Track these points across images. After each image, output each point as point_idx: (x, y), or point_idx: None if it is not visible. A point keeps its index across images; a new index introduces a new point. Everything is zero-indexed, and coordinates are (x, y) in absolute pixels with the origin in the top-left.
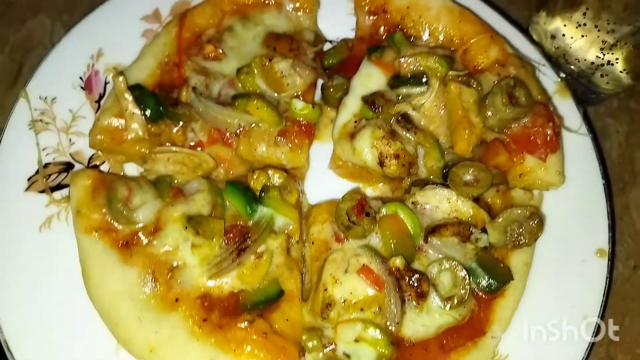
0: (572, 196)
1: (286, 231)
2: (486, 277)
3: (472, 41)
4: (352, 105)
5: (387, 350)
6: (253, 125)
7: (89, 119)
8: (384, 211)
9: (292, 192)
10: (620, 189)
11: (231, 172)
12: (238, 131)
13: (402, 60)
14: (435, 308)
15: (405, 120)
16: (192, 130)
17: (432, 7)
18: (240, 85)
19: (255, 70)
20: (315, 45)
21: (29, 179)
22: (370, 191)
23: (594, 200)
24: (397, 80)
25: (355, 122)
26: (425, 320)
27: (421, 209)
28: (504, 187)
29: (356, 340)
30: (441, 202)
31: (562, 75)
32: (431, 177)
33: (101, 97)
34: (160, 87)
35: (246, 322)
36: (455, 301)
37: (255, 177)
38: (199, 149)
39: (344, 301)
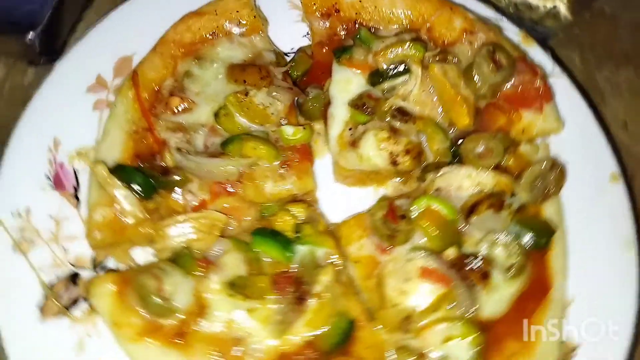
0: (570, 134)
1: (330, 261)
2: (533, 236)
3: (433, 18)
4: (340, 114)
5: (477, 337)
6: (252, 167)
7: (73, 219)
8: (416, 208)
9: (319, 220)
10: None
11: (243, 219)
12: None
13: (376, 55)
14: (500, 283)
15: (401, 113)
16: (190, 192)
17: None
18: (223, 129)
19: (233, 110)
20: (279, 65)
21: (39, 308)
22: (383, 191)
23: (591, 131)
24: (376, 76)
25: (350, 129)
26: (495, 298)
27: (447, 194)
28: (513, 148)
29: (445, 341)
30: (463, 181)
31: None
32: (438, 158)
33: (76, 189)
34: (139, 158)
35: None
36: (515, 269)
37: (279, 220)
38: (203, 210)
39: (418, 309)
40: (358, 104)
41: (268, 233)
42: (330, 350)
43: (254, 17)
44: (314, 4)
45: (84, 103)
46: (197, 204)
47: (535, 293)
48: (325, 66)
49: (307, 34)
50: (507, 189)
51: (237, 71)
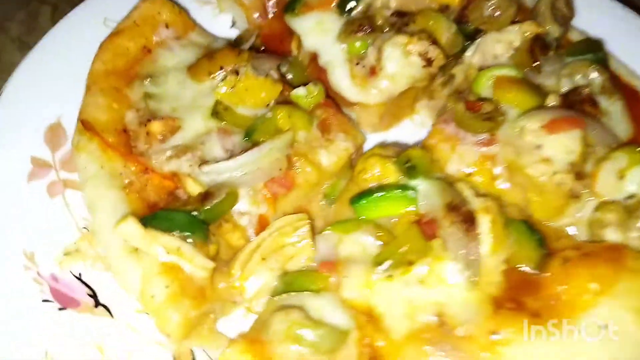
0: None
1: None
2: (590, 55)
3: None
4: (335, 57)
5: None
6: (295, 144)
7: (115, 328)
8: (489, 85)
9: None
10: None
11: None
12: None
13: None
14: (607, 104)
15: (399, 15)
16: (242, 213)
17: None
18: (230, 124)
19: (229, 102)
20: (246, 40)
21: None
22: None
23: None
24: (344, 2)
25: (357, 63)
26: (615, 119)
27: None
28: None
29: (621, 177)
30: (495, 47)
31: None
32: (453, 49)
33: (94, 294)
34: (153, 207)
35: None
36: (607, 85)
37: (367, 170)
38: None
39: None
40: (353, 29)
41: (367, 193)
42: (535, 266)
43: (179, 12)
44: None
45: (34, 195)
46: (256, 226)
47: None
48: (279, 34)
49: (233, 23)
50: (536, 31)
51: (203, 65)
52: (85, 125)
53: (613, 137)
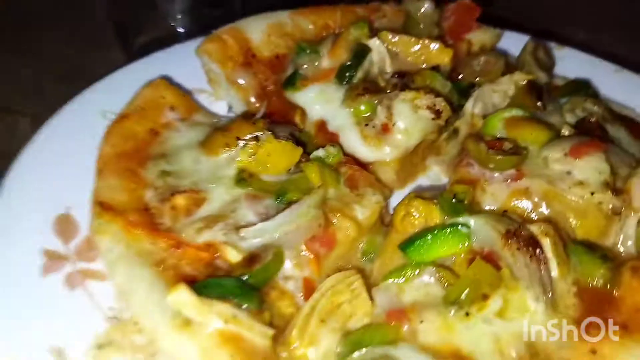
0: None
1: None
2: (586, 92)
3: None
4: (343, 122)
5: None
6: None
7: None
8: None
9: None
10: None
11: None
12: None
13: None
14: (612, 129)
15: (400, 75)
16: (287, 277)
17: (286, 22)
18: (257, 190)
19: (253, 169)
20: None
21: None
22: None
23: None
24: (343, 72)
25: (367, 124)
26: (627, 147)
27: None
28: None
29: None
30: (492, 97)
31: None
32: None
33: None
34: (192, 283)
35: None
36: (605, 113)
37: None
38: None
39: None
40: (358, 93)
41: (417, 237)
42: (606, 281)
43: (183, 95)
44: (228, 58)
45: (52, 289)
46: (302, 287)
47: None
48: (281, 110)
49: (229, 108)
50: (527, 77)
51: (218, 139)
52: (104, 206)
53: (631, 157)
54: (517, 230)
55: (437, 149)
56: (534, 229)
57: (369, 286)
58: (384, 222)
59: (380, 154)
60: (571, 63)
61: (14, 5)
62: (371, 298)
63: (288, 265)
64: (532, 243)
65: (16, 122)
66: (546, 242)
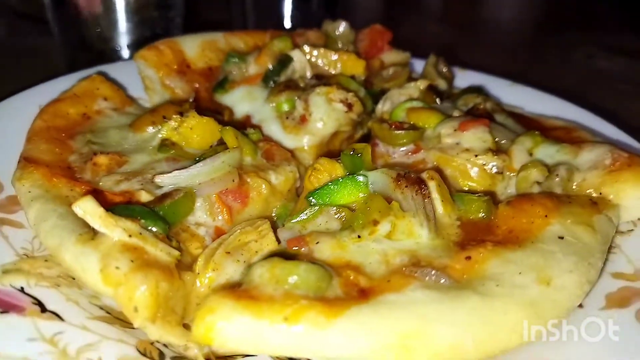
0: None
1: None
2: (479, 92)
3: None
4: (266, 116)
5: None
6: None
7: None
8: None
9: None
10: None
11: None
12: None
13: (257, 62)
14: (505, 122)
15: (318, 78)
16: (198, 224)
17: (219, 40)
18: (176, 153)
19: (177, 139)
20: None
21: None
22: None
23: None
24: (268, 77)
25: (287, 117)
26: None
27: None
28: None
29: (530, 154)
30: (400, 98)
31: None
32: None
33: (39, 300)
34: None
35: None
36: (500, 110)
37: (312, 177)
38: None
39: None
40: (280, 89)
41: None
42: (485, 213)
43: (117, 89)
44: (164, 64)
45: None
46: (213, 234)
47: None
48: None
49: None
50: (428, 82)
51: (146, 117)
52: (28, 160)
53: (513, 133)
54: (406, 173)
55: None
56: (422, 174)
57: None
58: (298, 194)
59: (299, 142)
60: (471, 80)
61: None
62: (278, 241)
63: (200, 213)
64: (419, 182)
65: None
66: (432, 183)
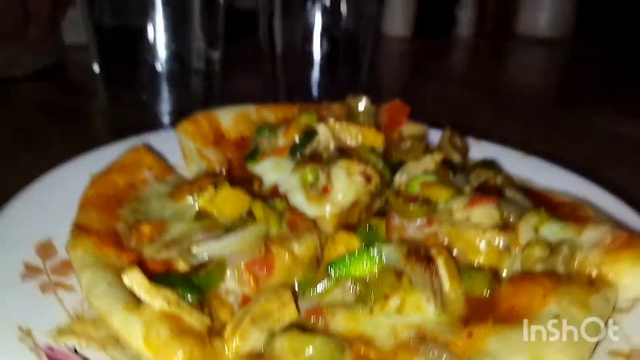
0: None
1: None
2: (492, 166)
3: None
4: (291, 184)
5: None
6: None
7: None
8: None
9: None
10: None
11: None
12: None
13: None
14: (515, 197)
15: (340, 151)
16: (228, 291)
17: (252, 113)
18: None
19: (210, 210)
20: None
21: None
22: None
23: None
24: (294, 150)
25: (311, 187)
26: (522, 205)
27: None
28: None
29: (536, 231)
30: (416, 170)
31: None
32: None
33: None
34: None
35: None
36: (511, 185)
37: (331, 249)
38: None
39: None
40: (305, 162)
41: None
42: (488, 290)
43: (159, 159)
44: (201, 135)
45: (28, 292)
46: (241, 301)
47: None
48: (241, 181)
49: None
50: (443, 156)
51: (184, 188)
52: (80, 228)
53: (522, 209)
54: (416, 249)
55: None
56: (432, 250)
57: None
58: (319, 263)
59: (321, 210)
60: (486, 151)
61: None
62: (298, 310)
63: (230, 281)
64: (428, 259)
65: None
66: (440, 260)
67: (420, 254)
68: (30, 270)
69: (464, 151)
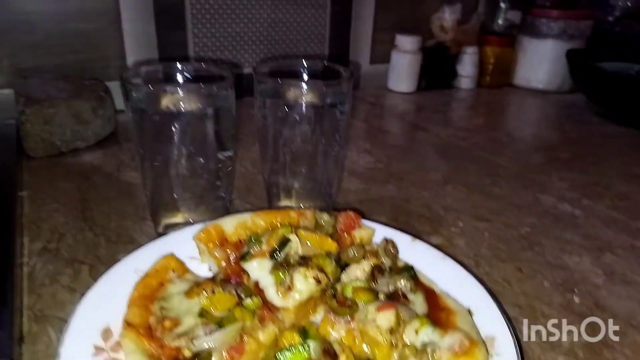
0: None
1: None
2: (408, 272)
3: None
4: (268, 281)
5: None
6: (244, 327)
7: None
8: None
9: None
10: None
11: None
12: (237, 341)
13: (268, 244)
14: (415, 300)
15: (303, 259)
16: None
17: (247, 220)
18: (208, 319)
19: (208, 307)
20: (224, 272)
21: None
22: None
23: None
24: (273, 254)
25: (280, 284)
26: (418, 307)
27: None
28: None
29: (417, 333)
30: (356, 271)
31: None
32: (335, 276)
33: None
34: None
35: None
36: (414, 289)
37: (279, 342)
38: None
39: (385, 325)
40: (277, 266)
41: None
42: None
43: (181, 263)
44: (210, 240)
45: None
46: None
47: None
48: (237, 273)
49: (210, 268)
50: (375, 262)
51: (194, 289)
52: (128, 324)
53: (415, 313)
54: (327, 347)
55: (324, 301)
56: (337, 347)
57: None
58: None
59: (285, 303)
60: (419, 250)
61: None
62: None
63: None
64: (334, 355)
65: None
66: (342, 357)
67: (328, 350)
68: (97, 350)
69: (395, 256)
